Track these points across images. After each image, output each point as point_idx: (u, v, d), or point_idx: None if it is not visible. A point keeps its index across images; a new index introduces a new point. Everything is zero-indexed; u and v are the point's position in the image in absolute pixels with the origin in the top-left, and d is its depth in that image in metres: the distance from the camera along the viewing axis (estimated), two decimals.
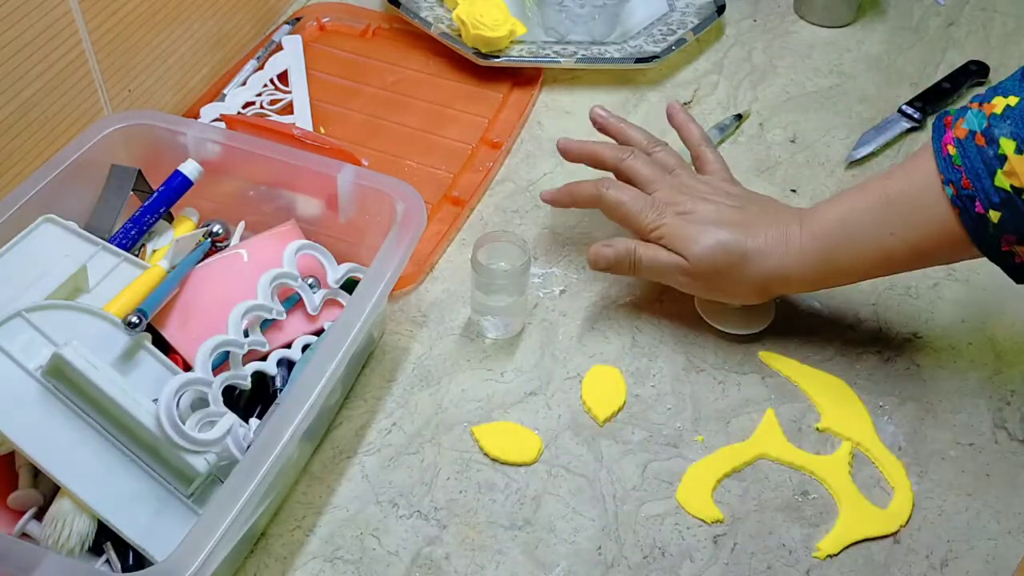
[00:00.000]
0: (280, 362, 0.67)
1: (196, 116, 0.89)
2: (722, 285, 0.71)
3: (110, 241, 0.68)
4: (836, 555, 0.63)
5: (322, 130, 0.91)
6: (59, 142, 0.78)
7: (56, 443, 0.57)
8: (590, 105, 0.95)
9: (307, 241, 0.71)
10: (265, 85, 0.94)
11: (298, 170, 0.72)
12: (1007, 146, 0.59)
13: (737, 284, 0.71)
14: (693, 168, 0.79)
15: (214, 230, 0.72)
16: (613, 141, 0.81)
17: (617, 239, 0.73)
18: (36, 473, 0.60)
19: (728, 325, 0.75)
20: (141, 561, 0.57)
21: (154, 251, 0.71)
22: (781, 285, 0.71)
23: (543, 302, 0.78)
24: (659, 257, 0.72)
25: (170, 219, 0.74)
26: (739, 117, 0.94)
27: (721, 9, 1.03)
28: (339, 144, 0.78)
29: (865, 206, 0.67)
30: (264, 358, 0.67)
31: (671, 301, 0.78)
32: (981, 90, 0.98)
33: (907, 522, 0.65)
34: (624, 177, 0.77)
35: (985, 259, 0.64)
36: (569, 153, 0.80)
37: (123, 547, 0.58)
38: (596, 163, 0.79)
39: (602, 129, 0.82)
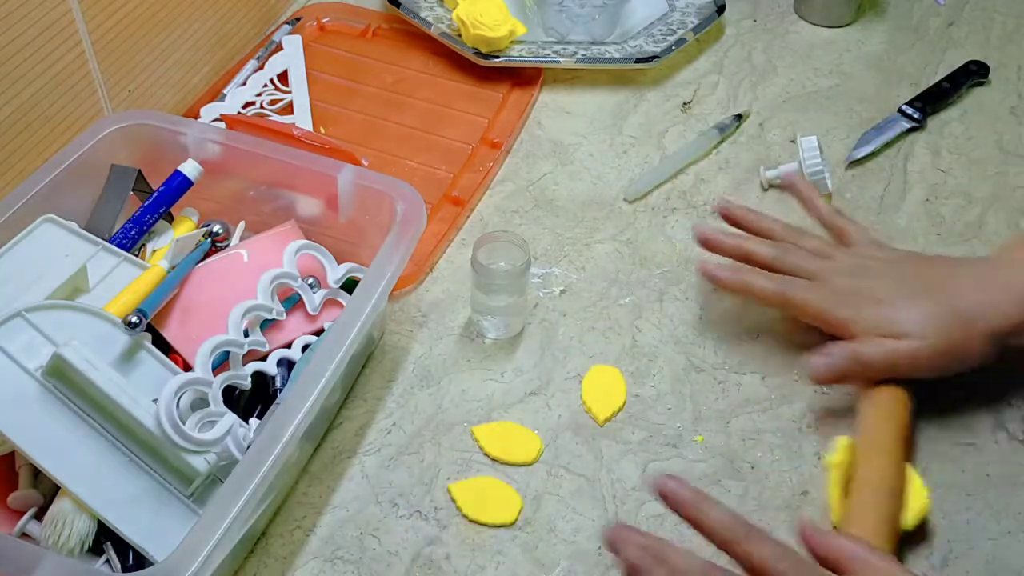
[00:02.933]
0: (280, 362, 0.67)
1: (196, 116, 0.89)
2: (955, 353, 0.66)
3: (110, 241, 0.68)
4: None
5: (322, 130, 0.91)
6: (59, 142, 0.78)
7: (56, 443, 0.57)
8: (590, 105, 0.96)
9: (307, 241, 0.71)
10: (265, 85, 0.94)
11: (298, 170, 0.72)
12: None
13: (968, 347, 0.66)
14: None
15: (214, 230, 0.72)
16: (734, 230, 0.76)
17: (830, 346, 0.68)
18: (36, 473, 0.60)
19: None
20: (141, 561, 0.57)
21: (154, 251, 0.71)
22: (1009, 331, 0.66)
23: (543, 302, 0.78)
24: (887, 349, 0.66)
25: (170, 219, 0.74)
26: (739, 117, 0.94)
27: (721, 9, 1.03)
28: (339, 144, 0.78)
29: None
30: (264, 358, 0.67)
31: (671, 301, 0.78)
32: (981, 90, 0.99)
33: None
34: (782, 272, 0.72)
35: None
36: (711, 244, 0.75)
37: (123, 547, 0.58)
38: (748, 260, 0.74)
39: (734, 222, 0.76)
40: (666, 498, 0.55)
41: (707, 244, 0.75)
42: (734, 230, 0.76)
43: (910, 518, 0.63)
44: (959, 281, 0.68)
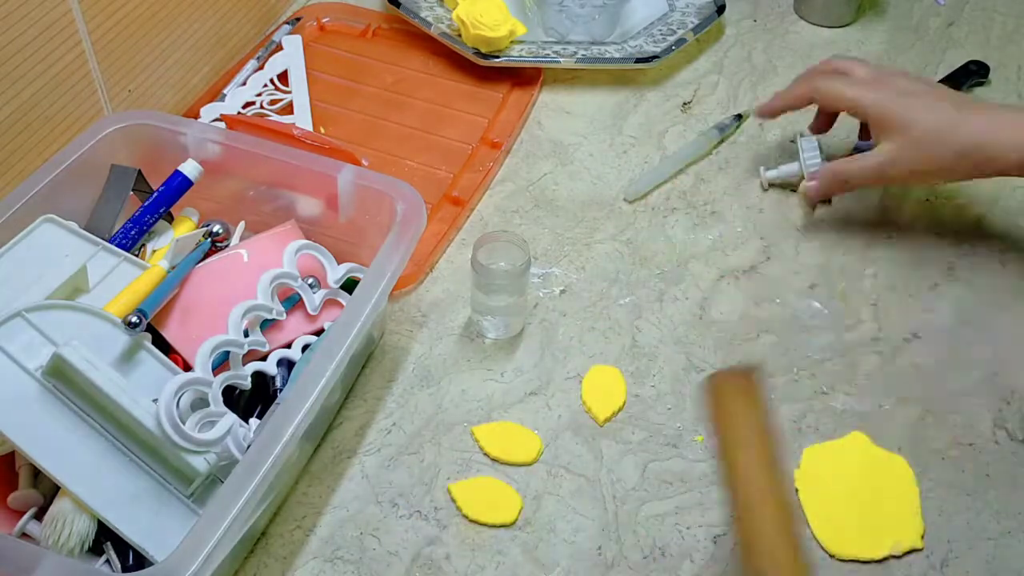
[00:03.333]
0: (280, 362, 0.67)
1: (196, 116, 0.89)
2: (933, 156, 0.75)
3: (110, 241, 0.68)
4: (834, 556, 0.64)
5: (322, 130, 0.91)
6: (59, 142, 0.78)
7: (56, 443, 0.57)
8: (590, 105, 0.96)
9: (307, 241, 0.71)
10: (265, 85, 0.94)
11: (298, 170, 0.72)
12: None
13: (947, 152, 0.75)
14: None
15: (214, 230, 0.72)
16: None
17: (820, 169, 0.82)
18: (36, 473, 0.60)
19: None
20: (141, 561, 0.57)
21: (154, 251, 0.71)
22: (987, 161, 0.74)
23: (543, 302, 0.78)
24: (865, 163, 0.79)
25: (170, 219, 0.74)
26: (739, 117, 0.94)
27: (721, 9, 1.03)
28: (339, 144, 0.78)
29: None
30: (264, 358, 0.67)
31: (671, 301, 0.79)
32: (981, 90, 0.99)
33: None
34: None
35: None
36: (771, 110, 0.86)
37: (123, 547, 0.58)
38: (806, 101, 0.84)
39: (778, 110, 0.87)
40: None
41: (767, 113, 0.87)
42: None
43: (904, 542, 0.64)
44: (980, 106, 0.76)
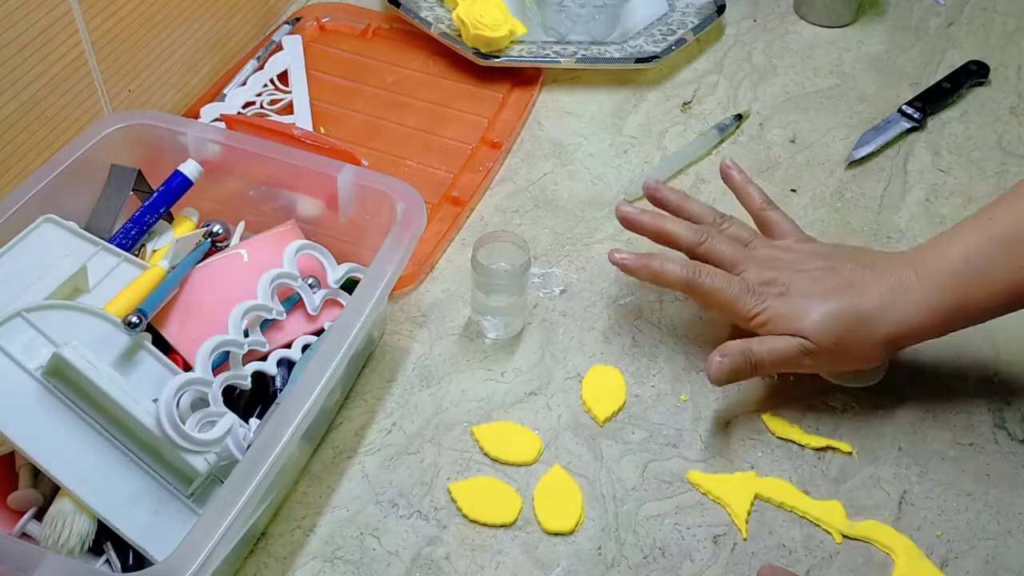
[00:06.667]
0: (280, 362, 0.67)
1: (196, 116, 0.89)
2: (847, 354, 0.67)
3: (110, 241, 0.68)
4: (837, 555, 0.64)
5: (322, 130, 0.91)
6: (59, 142, 0.78)
7: (56, 443, 0.57)
8: (590, 105, 0.96)
9: (307, 241, 0.71)
10: (265, 85, 0.94)
11: (298, 170, 0.72)
12: None
13: (861, 350, 0.67)
14: (760, 234, 0.74)
15: (214, 230, 0.72)
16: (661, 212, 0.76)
17: (729, 345, 0.67)
18: (36, 473, 0.60)
19: (844, 379, 0.72)
20: (141, 561, 0.57)
21: (154, 251, 0.71)
22: (908, 337, 0.67)
23: (543, 302, 0.78)
24: (776, 348, 0.67)
25: (170, 219, 0.74)
26: (739, 117, 0.94)
27: (721, 9, 1.03)
28: (339, 144, 0.78)
29: (988, 240, 0.64)
30: (264, 358, 0.67)
31: (671, 301, 0.78)
32: (981, 90, 0.99)
33: None
34: (701, 259, 0.71)
35: None
36: (633, 225, 0.74)
37: (123, 547, 0.58)
38: (667, 242, 0.73)
39: (660, 204, 0.76)
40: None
41: (627, 223, 0.75)
42: (660, 211, 0.75)
43: None
44: (870, 282, 0.67)
